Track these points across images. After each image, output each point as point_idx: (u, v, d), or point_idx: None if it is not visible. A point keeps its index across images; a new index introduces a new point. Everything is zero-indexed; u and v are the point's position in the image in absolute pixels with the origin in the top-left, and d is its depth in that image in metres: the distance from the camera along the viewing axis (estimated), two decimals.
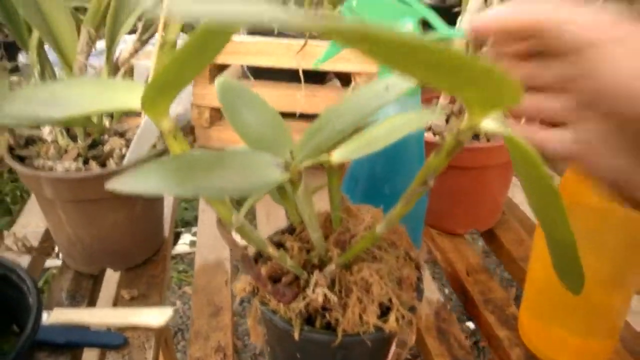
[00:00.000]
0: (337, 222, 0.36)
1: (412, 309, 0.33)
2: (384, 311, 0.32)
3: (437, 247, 0.56)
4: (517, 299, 0.49)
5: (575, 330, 0.41)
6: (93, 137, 0.46)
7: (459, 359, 0.43)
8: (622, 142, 0.23)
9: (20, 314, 0.35)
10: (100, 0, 0.46)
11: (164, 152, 0.45)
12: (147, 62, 0.59)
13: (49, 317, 0.43)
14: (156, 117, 0.25)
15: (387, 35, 0.11)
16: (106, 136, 0.47)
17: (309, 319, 0.32)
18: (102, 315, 0.45)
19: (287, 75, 0.60)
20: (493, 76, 0.14)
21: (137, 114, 0.49)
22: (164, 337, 0.67)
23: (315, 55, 0.58)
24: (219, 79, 0.31)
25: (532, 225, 0.58)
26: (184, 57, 0.23)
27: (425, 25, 0.40)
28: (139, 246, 0.50)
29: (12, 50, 1.03)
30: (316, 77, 0.62)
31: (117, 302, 0.47)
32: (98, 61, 0.50)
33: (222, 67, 0.65)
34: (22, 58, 0.85)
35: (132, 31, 0.50)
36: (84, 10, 1.17)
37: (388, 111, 0.38)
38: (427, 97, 0.60)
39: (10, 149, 0.45)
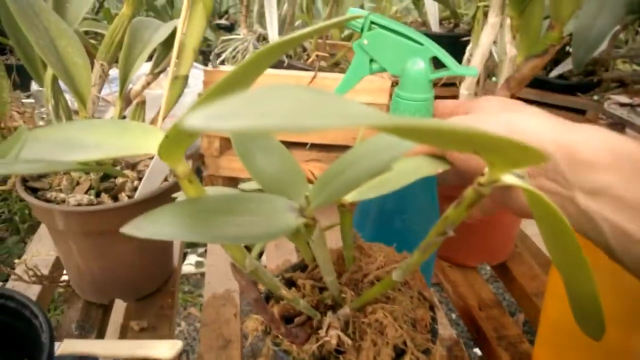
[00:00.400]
0: (350, 262, 0.35)
1: (427, 352, 0.32)
2: (399, 353, 0.32)
3: (448, 280, 0.55)
4: (524, 324, 0.49)
5: None
6: (105, 166, 0.46)
7: None
8: None
9: (32, 349, 0.35)
10: (114, 35, 0.47)
11: (176, 185, 0.45)
12: (159, 92, 0.60)
13: (58, 348, 0.42)
14: (172, 163, 0.25)
15: (433, 126, 0.12)
16: (119, 168, 0.47)
17: None
18: (111, 347, 0.44)
19: None
20: (519, 147, 0.14)
21: None
22: None
23: (325, 87, 0.58)
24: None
25: (545, 258, 0.58)
26: (204, 104, 0.23)
27: (437, 62, 0.40)
28: (148, 277, 0.50)
29: (25, 74, 1.05)
30: None
31: (126, 332, 0.47)
32: (109, 89, 0.51)
33: None
34: (34, 85, 0.86)
35: (149, 57, 0.51)
36: (94, 34, 1.19)
37: None
38: None
39: (24, 181, 0.45)
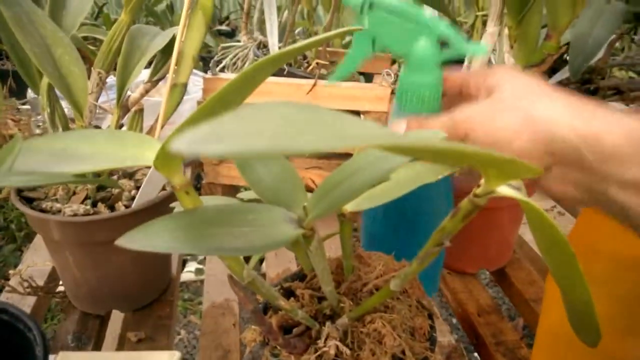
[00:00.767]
0: (349, 271, 0.35)
1: None
2: None
3: (447, 287, 0.55)
4: (524, 328, 0.49)
5: None
6: (102, 178, 0.46)
7: None
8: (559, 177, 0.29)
9: None
10: (111, 43, 0.47)
11: (174, 195, 0.45)
12: (158, 99, 0.60)
13: None
14: (169, 175, 0.25)
15: (427, 146, 0.12)
16: (115, 177, 0.47)
17: None
18: (108, 359, 0.44)
19: None
20: (512, 163, 0.14)
21: None
22: None
23: (325, 94, 0.58)
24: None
25: (544, 264, 0.58)
26: (196, 120, 0.23)
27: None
28: (146, 287, 0.49)
29: (22, 80, 1.05)
30: None
31: (123, 344, 0.47)
32: (106, 96, 0.50)
33: None
34: (31, 91, 0.86)
35: (148, 64, 0.50)
36: (93, 39, 1.18)
37: None
38: None
39: (19, 191, 0.45)
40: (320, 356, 0.31)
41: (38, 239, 0.61)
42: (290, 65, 0.65)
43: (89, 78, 0.47)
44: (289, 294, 0.36)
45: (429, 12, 0.78)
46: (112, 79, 0.49)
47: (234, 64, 0.66)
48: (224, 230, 0.24)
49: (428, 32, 0.36)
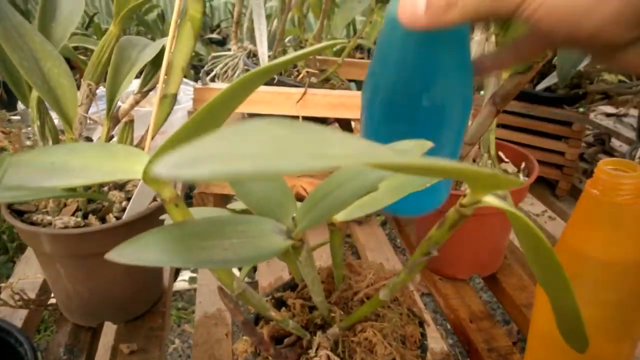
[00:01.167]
0: (340, 280, 0.35)
1: None
2: None
3: (439, 293, 0.55)
4: (518, 332, 0.49)
5: None
6: (93, 190, 0.46)
7: None
8: None
9: None
10: (101, 54, 0.47)
11: (164, 206, 0.45)
12: (149, 109, 0.60)
13: None
14: (158, 188, 0.25)
15: (411, 163, 0.12)
16: (106, 189, 0.47)
17: None
18: None
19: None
20: (496, 178, 0.14)
21: None
22: None
23: (314, 102, 0.58)
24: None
25: None
26: (182, 136, 0.23)
27: None
28: (138, 298, 0.49)
29: (12, 92, 1.04)
30: (316, 123, 0.63)
31: (116, 355, 0.46)
32: (96, 107, 0.50)
33: None
34: (21, 103, 0.86)
35: (139, 74, 0.50)
36: (83, 49, 1.18)
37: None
38: None
39: (9, 204, 0.45)
40: None
41: (30, 251, 0.60)
42: (280, 74, 0.65)
43: (79, 89, 0.47)
44: (280, 303, 0.36)
45: None
46: (102, 90, 0.49)
47: (225, 73, 0.67)
48: (213, 243, 0.25)
49: None
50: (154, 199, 0.45)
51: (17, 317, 0.49)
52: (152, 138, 0.49)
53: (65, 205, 0.45)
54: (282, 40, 0.65)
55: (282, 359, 0.32)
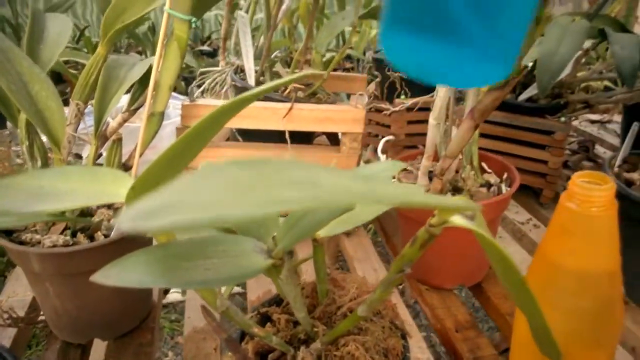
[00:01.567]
0: (324, 294, 0.36)
1: None
2: None
3: (425, 303, 0.56)
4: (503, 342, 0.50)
5: None
6: (79, 213, 0.47)
7: None
8: None
9: None
10: (89, 75, 0.48)
11: None
12: (138, 125, 0.61)
13: None
14: None
15: (376, 197, 0.13)
16: (95, 207, 0.47)
17: None
18: None
19: (275, 135, 0.61)
20: (459, 208, 0.15)
21: None
22: None
23: (301, 117, 0.59)
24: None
25: None
26: (166, 160, 0.24)
27: None
28: (127, 314, 0.50)
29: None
30: (304, 137, 0.64)
31: None
32: (84, 124, 0.51)
33: None
34: None
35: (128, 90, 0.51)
36: (74, 63, 1.18)
37: None
38: (407, 155, 0.61)
39: None
40: None
41: (18, 269, 0.61)
42: None
43: (67, 104, 0.48)
44: (266, 319, 0.37)
45: None
46: (92, 107, 0.50)
47: (213, 88, 0.68)
48: (195, 263, 0.25)
49: None
50: None
51: (6, 336, 0.49)
52: (141, 155, 0.50)
53: (54, 223, 0.45)
54: (269, 56, 0.66)
55: None
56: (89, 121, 0.50)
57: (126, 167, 0.51)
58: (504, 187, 0.55)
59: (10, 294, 0.54)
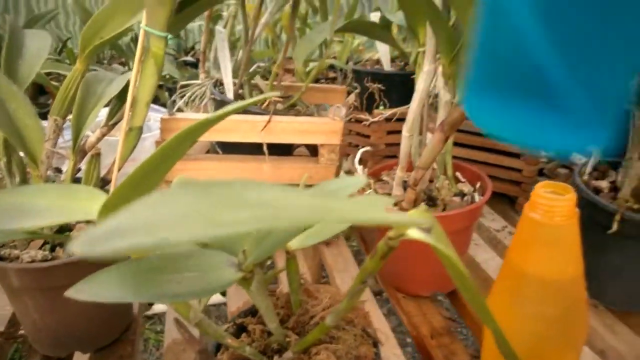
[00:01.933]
0: (297, 305, 0.37)
1: None
2: None
3: (403, 311, 0.57)
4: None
5: None
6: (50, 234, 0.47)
7: None
8: None
9: None
10: (67, 90, 0.49)
11: None
12: (118, 138, 0.61)
13: None
14: None
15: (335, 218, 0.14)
16: (74, 221, 0.48)
17: None
18: None
19: (254, 147, 0.62)
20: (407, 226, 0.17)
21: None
22: None
23: (279, 130, 0.60)
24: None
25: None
26: (138, 178, 0.25)
27: None
28: (107, 327, 0.50)
29: None
30: (283, 149, 0.65)
31: None
32: (62, 139, 0.51)
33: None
34: None
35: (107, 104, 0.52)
36: (56, 75, 1.18)
37: None
38: (384, 166, 0.63)
39: None
40: None
41: None
42: None
43: (46, 118, 0.48)
44: (242, 329, 0.38)
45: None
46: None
47: (193, 101, 0.69)
48: (167, 277, 0.26)
49: None
50: None
51: None
52: (119, 169, 0.51)
53: (32, 239, 0.46)
54: (247, 69, 0.67)
55: None
56: (68, 135, 0.51)
57: (105, 182, 0.52)
58: (477, 196, 0.57)
59: None
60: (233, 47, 0.74)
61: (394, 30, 0.94)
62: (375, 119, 0.84)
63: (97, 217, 0.26)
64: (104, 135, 0.52)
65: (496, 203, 0.80)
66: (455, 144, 0.68)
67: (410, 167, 0.56)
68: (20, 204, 0.28)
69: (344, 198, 0.28)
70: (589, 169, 0.63)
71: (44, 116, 0.48)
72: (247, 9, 0.79)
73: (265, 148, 0.59)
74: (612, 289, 0.55)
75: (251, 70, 0.71)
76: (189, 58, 1.78)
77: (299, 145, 0.75)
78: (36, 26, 1.41)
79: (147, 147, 0.76)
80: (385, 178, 0.60)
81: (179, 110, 0.66)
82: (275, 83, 0.70)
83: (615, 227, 0.50)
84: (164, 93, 1.53)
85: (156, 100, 1.45)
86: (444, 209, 0.54)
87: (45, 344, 0.49)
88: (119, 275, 0.26)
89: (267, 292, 0.31)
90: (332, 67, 1.25)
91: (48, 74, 1.10)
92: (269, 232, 0.29)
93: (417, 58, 0.57)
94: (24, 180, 0.48)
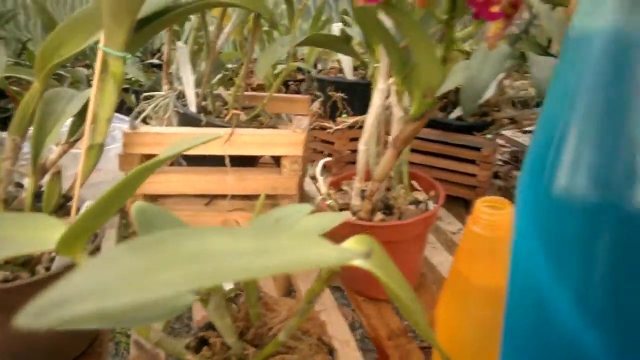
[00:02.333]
0: (255, 318, 0.39)
1: None
2: None
3: (362, 314, 0.60)
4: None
5: None
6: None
7: None
8: None
9: None
10: (26, 108, 0.49)
11: (93, 254, 0.47)
12: (80, 150, 0.61)
13: None
14: (73, 258, 0.28)
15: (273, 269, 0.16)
16: None
17: None
18: None
19: (218, 159, 0.63)
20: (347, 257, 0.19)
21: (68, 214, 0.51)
22: None
23: (242, 142, 0.62)
24: (136, 204, 0.34)
25: None
26: (94, 210, 0.26)
27: None
28: (73, 341, 0.51)
29: None
30: (247, 160, 0.66)
31: None
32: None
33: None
34: None
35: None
36: (17, 79, 1.16)
37: None
38: (344, 176, 0.65)
39: None
40: None
41: None
42: (209, 114, 0.69)
43: (6, 123, 0.48)
44: (203, 342, 0.40)
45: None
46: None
47: (156, 113, 0.69)
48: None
49: None
50: None
51: None
52: (81, 186, 0.51)
53: None
54: (210, 81, 0.68)
55: None
56: (28, 148, 0.51)
57: (67, 198, 0.52)
58: (431, 204, 0.60)
59: None
60: (199, 51, 0.75)
61: (357, 39, 0.96)
62: (339, 127, 0.86)
63: (56, 248, 0.27)
64: (65, 151, 0.53)
65: (452, 206, 0.83)
66: (413, 150, 0.71)
67: (368, 177, 0.58)
68: None
69: (288, 234, 0.30)
70: None
71: (4, 121, 0.48)
72: (214, 12, 0.80)
73: (227, 161, 0.60)
74: None
75: (216, 79, 0.72)
76: (155, 60, 1.77)
77: (262, 157, 0.76)
78: None
79: (111, 157, 0.76)
80: (345, 188, 0.63)
81: (144, 120, 0.67)
82: (239, 93, 0.71)
83: None
84: (130, 96, 1.52)
85: (122, 104, 1.44)
86: (399, 217, 0.57)
87: None
88: None
89: (225, 309, 0.33)
90: (299, 70, 1.27)
91: (7, 77, 1.08)
92: None
93: (374, 74, 0.59)
94: None
